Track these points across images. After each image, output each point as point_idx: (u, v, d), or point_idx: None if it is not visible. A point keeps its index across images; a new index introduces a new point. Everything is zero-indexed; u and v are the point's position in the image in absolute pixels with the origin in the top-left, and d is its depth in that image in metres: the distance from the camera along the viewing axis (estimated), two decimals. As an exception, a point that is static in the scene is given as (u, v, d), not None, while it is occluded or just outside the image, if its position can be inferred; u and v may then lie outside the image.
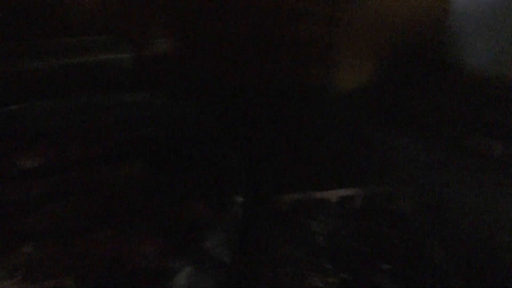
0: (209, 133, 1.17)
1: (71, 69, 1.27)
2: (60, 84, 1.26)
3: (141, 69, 1.44)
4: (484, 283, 1.01)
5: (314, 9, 1.55)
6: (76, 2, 1.27)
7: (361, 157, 1.50)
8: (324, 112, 1.74)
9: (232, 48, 1.58)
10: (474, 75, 1.90)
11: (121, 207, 0.99)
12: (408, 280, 1.00)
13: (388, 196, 1.30)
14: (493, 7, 1.82)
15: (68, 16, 1.28)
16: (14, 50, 1.21)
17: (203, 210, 0.99)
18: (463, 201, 1.30)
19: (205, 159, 1.20)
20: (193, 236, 0.92)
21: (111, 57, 1.32)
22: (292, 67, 1.72)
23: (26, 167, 1.07)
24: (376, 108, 1.78)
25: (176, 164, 1.13)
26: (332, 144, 1.58)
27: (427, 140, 1.58)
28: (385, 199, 1.30)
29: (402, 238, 1.11)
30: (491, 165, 1.44)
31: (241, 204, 0.92)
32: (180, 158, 1.16)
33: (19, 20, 1.22)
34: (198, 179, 1.13)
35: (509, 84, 1.82)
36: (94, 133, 1.19)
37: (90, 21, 1.32)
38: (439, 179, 1.39)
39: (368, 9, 1.59)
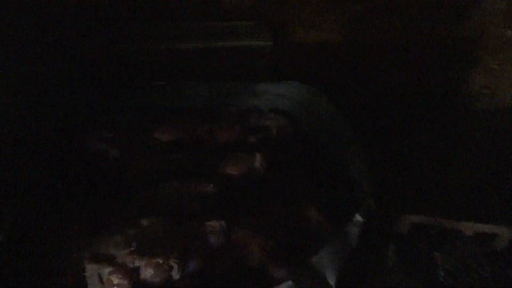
0: (341, 140, 1.09)
1: (215, 53, 1.30)
2: (204, 66, 1.31)
3: (281, 58, 1.42)
4: None
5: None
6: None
7: (513, 188, 1.25)
8: (476, 126, 1.49)
9: (380, 45, 1.44)
10: None
11: (236, 199, 0.99)
12: None
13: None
14: None
15: (220, 1, 1.31)
16: (167, 30, 1.29)
17: (320, 221, 0.93)
18: None
19: (334, 166, 1.12)
20: (303, 246, 0.87)
21: (254, 43, 1.31)
22: (447, 71, 1.50)
23: (160, 140, 1.14)
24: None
25: (301, 164, 1.08)
26: (479, 167, 1.35)
27: None
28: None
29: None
30: None
31: (360, 224, 0.83)
32: (306, 160, 1.10)
33: (174, 3, 1.29)
34: (322, 186, 1.07)
35: None
36: (225, 118, 1.21)
37: (240, 6, 1.33)
38: None
39: None
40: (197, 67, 1.34)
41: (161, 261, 0.78)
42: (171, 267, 0.78)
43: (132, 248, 0.78)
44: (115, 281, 0.75)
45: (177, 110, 1.23)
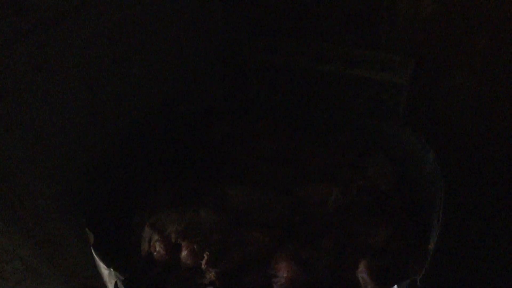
0: (432, 204, 0.98)
1: (350, 80, 1.32)
2: (334, 91, 1.35)
3: (425, 99, 1.32)
4: None
5: None
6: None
7: None
8: None
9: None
10: None
11: (295, 222, 1.01)
12: None
13: None
14: None
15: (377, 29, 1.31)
16: (310, 50, 1.36)
17: (364, 278, 0.87)
18: None
19: (412, 231, 1.01)
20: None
21: (389, 79, 1.26)
22: None
23: (264, 146, 1.24)
24: None
25: (381, 218, 1.02)
26: None
27: None
28: None
29: None
30: None
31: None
32: (388, 215, 1.03)
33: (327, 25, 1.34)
34: (391, 243, 0.98)
35: None
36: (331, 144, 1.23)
37: (396, 38, 1.29)
38: None
39: None
40: (327, 91, 1.37)
41: (196, 248, 0.88)
42: (203, 257, 0.88)
43: (180, 228, 0.91)
44: (157, 248, 0.90)
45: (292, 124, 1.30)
